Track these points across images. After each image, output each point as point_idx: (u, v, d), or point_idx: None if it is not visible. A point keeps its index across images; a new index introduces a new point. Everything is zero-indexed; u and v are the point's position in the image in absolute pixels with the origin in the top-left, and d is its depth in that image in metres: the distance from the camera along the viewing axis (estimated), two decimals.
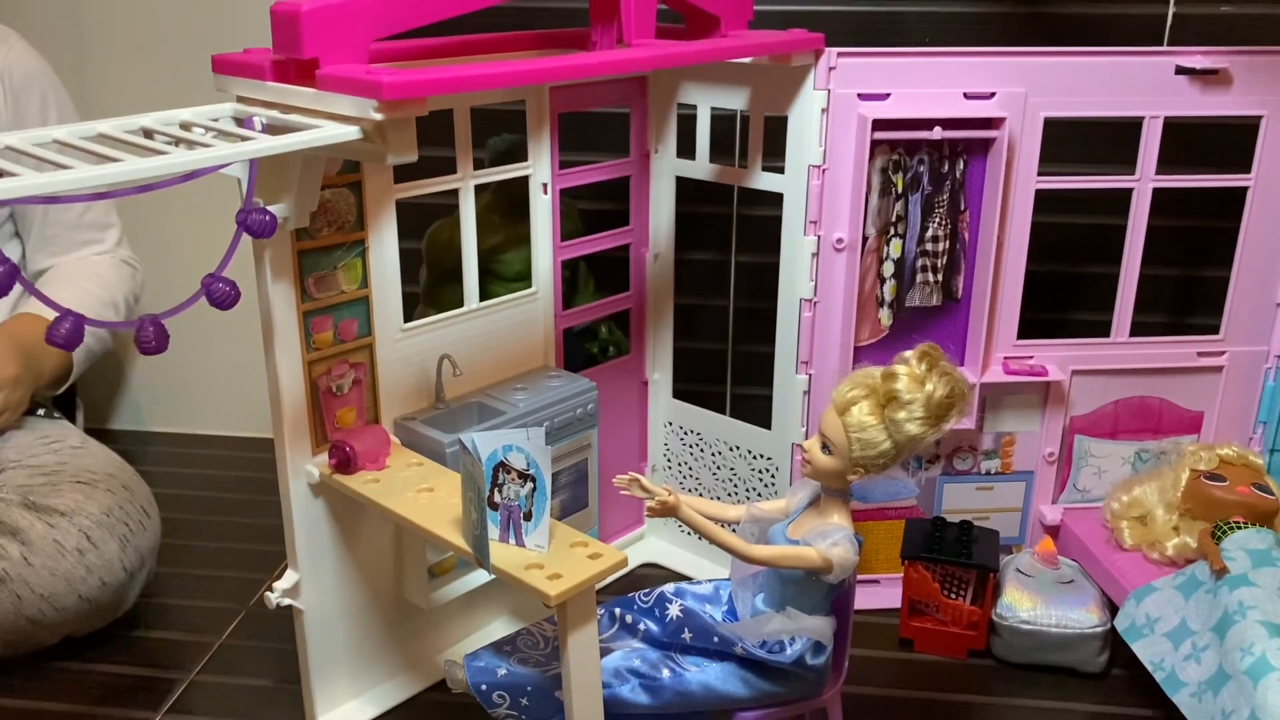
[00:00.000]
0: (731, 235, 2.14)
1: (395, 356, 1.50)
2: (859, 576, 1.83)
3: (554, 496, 1.65)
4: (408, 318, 1.51)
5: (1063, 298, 2.09)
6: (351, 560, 1.51)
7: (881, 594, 1.82)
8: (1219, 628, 1.44)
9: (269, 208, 1.26)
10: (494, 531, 1.27)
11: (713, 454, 1.88)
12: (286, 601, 1.45)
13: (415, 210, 1.58)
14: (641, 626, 1.32)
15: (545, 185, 1.63)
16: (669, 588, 1.36)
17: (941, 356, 1.20)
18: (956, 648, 1.70)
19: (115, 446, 1.90)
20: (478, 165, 1.57)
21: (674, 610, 1.31)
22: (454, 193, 1.56)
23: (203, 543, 2.02)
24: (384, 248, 1.45)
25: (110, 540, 1.65)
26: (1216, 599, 1.47)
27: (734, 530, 1.31)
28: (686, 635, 1.29)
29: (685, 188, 1.83)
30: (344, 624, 1.52)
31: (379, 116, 1.08)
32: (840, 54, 1.58)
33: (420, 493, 1.37)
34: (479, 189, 1.63)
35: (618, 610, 1.34)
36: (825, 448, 1.23)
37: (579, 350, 1.95)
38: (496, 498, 1.26)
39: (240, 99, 1.23)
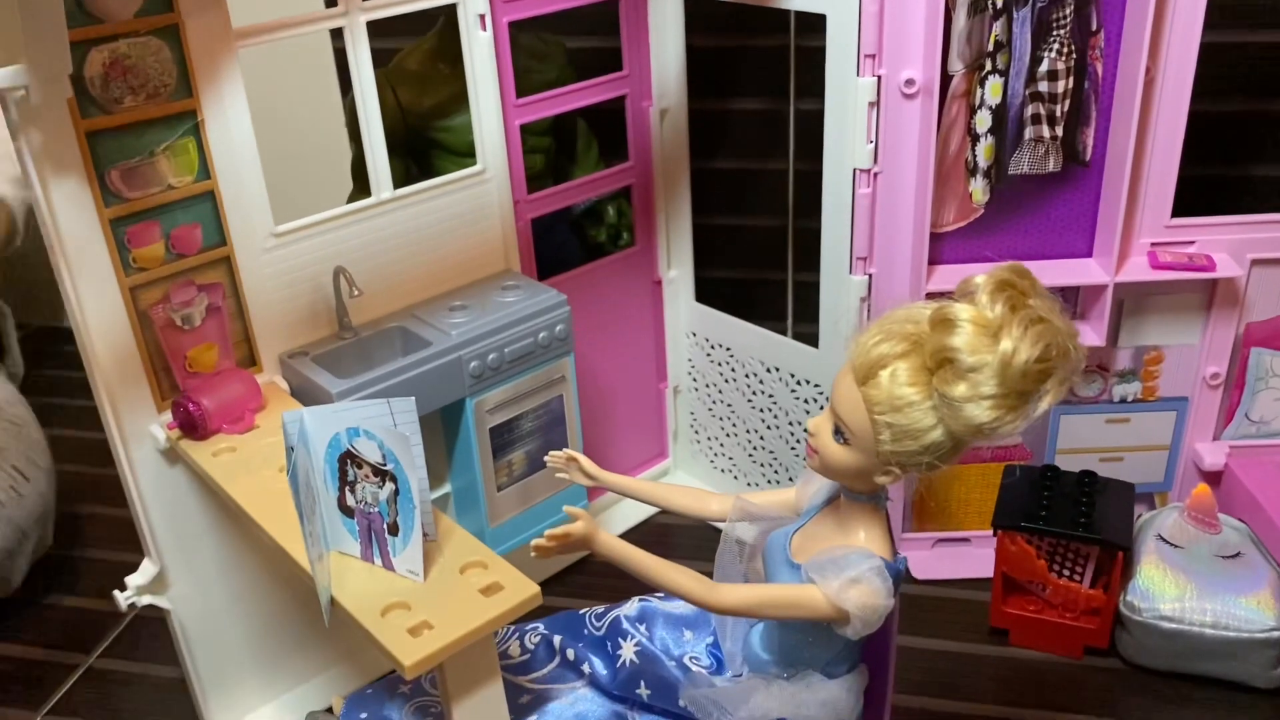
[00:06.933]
0: (789, 75, 1.62)
1: (270, 272, 1.09)
2: (942, 534, 1.40)
3: (519, 447, 1.25)
4: (291, 215, 1.09)
5: (1242, 150, 1.53)
6: (239, 537, 1.14)
7: (972, 558, 1.40)
8: None
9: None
10: (353, 546, 0.87)
11: (746, 375, 1.44)
12: (146, 600, 1.10)
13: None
14: (586, 667, 0.93)
15: (482, 17, 1.16)
16: (630, 608, 0.94)
17: (1033, 290, 0.71)
18: (1069, 644, 1.26)
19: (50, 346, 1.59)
20: None
21: (628, 652, 0.90)
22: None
23: None
24: (229, 121, 1.02)
25: None
26: None
27: (724, 527, 0.89)
28: (643, 691, 0.89)
29: (715, 10, 1.32)
30: (237, 618, 1.18)
31: None
32: None
33: (283, 470, 0.97)
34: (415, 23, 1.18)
35: (557, 640, 0.95)
36: (839, 433, 0.77)
37: (580, 240, 1.51)
38: (349, 499, 0.85)
39: None
